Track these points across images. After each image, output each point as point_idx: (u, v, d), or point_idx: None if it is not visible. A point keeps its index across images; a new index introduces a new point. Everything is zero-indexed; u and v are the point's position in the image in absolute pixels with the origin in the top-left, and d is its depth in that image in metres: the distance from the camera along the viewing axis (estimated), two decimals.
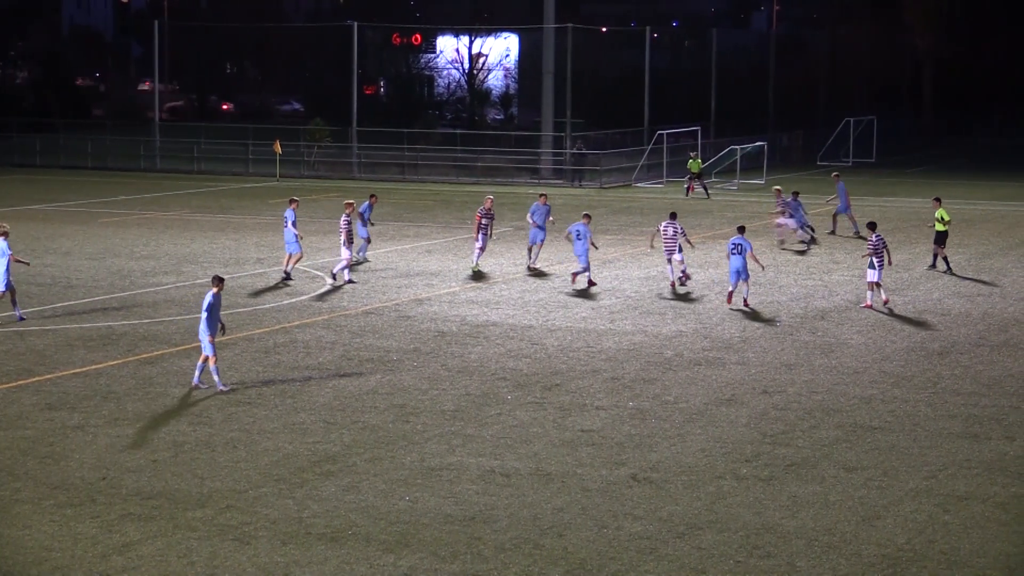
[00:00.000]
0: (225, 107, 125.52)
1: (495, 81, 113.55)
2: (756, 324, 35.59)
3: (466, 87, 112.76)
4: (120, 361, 30.44)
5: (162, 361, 30.45)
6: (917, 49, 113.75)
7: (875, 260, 37.29)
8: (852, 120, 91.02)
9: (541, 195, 46.14)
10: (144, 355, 31.01)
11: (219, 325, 28.01)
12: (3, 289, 34.80)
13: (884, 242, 37.61)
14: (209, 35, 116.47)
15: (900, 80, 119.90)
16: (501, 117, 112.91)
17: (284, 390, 28.06)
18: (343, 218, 41.74)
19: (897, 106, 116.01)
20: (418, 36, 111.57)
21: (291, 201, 43.22)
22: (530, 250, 44.73)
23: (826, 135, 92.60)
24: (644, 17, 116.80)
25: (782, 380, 29.45)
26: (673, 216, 42.26)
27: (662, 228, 41.59)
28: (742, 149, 78.56)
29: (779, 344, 33.13)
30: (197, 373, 27.87)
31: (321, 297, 38.96)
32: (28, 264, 37.77)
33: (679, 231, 41.34)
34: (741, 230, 38.62)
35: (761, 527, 20.21)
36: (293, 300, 38.45)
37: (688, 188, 70.48)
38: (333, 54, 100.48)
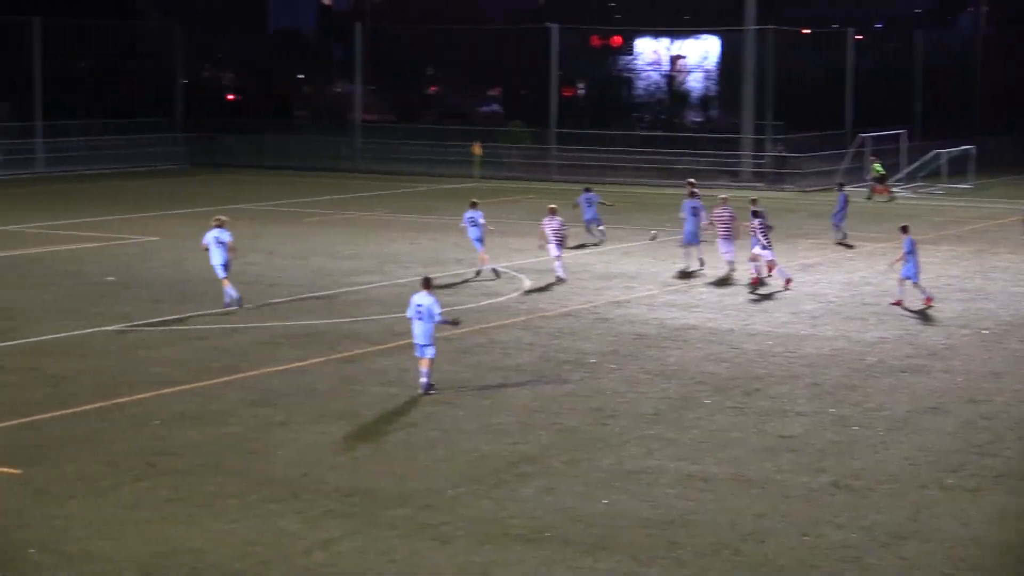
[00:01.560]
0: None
1: (694, 83, 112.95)
2: (962, 331, 34.93)
3: (665, 89, 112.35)
4: (322, 359, 30.87)
5: (363, 360, 30.81)
6: None
7: None
8: None
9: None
10: (346, 353, 31.40)
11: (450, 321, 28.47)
12: (223, 275, 36.48)
13: None
14: (409, 36, 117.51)
15: None
16: (700, 119, 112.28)
17: (482, 391, 28.21)
18: (548, 220, 42.00)
19: None
20: (617, 38, 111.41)
21: (472, 204, 43.97)
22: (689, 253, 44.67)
23: None
24: (846, 19, 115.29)
25: (989, 389, 28.85)
26: (755, 206, 42.70)
27: (752, 217, 42.18)
28: (947, 153, 77.17)
29: (986, 352, 32.47)
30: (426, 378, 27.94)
31: (520, 298, 39.13)
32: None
33: (759, 223, 41.22)
34: (904, 229, 38.69)
35: (968, 539, 19.81)
36: (491, 301, 38.65)
37: (872, 191, 69.73)
38: (532, 56, 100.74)
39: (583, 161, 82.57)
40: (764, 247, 41.36)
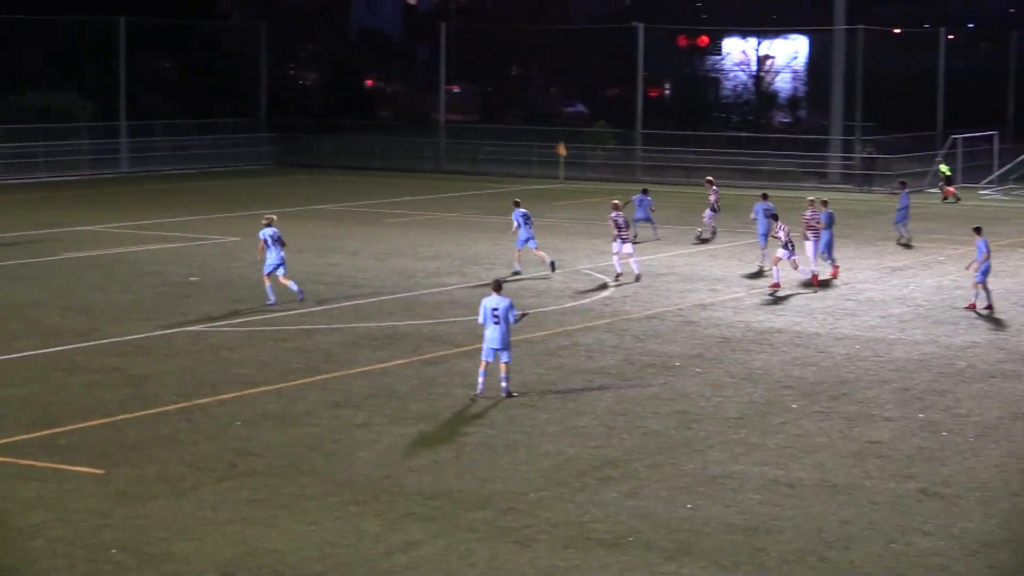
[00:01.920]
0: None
1: (782, 83, 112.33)
2: None
3: (753, 89, 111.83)
4: (404, 361, 30.95)
5: (445, 362, 30.87)
6: None
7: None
8: None
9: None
10: (427, 355, 31.47)
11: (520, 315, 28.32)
12: (279, 273, 37.24)
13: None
14: (494, 37, 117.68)
15: None
16: (788, 120, 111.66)
17: (565, 393, 28.19)
18: (613, 215, 42.54)
19: None
20: (704, 38, 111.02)
21: (515, 203, 44.78)
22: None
23: None
24: (937, 18, 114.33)
25: None
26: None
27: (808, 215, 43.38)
28: None
29: None
30: (505, 383, 27.83)
31: (604, 300, 39.08)
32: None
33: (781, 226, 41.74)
34: (978, 230, 38.69)
35: None
36: (575, 303, 38.63)
37: (944, 194, 69.39)
38: (618, 55, 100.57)
39: (668, 162, 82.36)
40: (785, 246, 41.14)
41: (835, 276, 43.15)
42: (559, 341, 33.31)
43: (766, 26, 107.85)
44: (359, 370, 29.94)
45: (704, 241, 52.00)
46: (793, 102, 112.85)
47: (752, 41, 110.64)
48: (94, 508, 20.58)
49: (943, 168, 70.74)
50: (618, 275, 42.49)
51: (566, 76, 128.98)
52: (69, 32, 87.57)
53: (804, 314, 37.27)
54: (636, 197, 52.76)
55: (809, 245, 43.25)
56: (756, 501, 21.40)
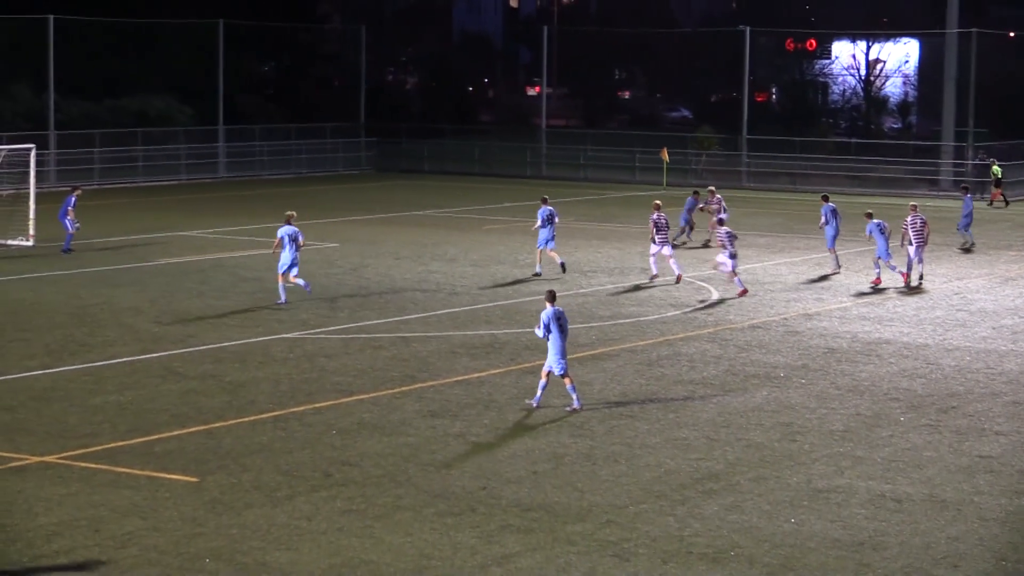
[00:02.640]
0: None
1: (893, 88, 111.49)
2: None
3: (862, 94, 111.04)
4: (502, 370, 30.99)
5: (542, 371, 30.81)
6: None
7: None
8: None
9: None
10: (526, 365, 31.48)
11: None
12: (292, 274, 38.37)
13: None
14: (598, 40, 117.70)
15: None
16: (898, 126, 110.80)
17: (667, 404, 28.11)
18: (654, 216, 43.21)
19: None
20: (813, 41, 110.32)
21: (543, 200, 45.67)
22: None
23: None
24: None
25: None
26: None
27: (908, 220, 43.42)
28: None
29: None
30: (540, 393, 27.69)
31: (707, 310, 38.94)
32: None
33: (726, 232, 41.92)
34: None
35: None
36: (677, 312, 38.52)
37: (992, 196, 69.12)
38: (724, 60, 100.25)
39: (774, 168, 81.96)
40: (732, 256, 41.06)
41: (878, 283, 43.40)
42: (660, 351, 33.24)
43: (876, 29, 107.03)
44: (456, 379, 30.01)
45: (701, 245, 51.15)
46: (903, 107, 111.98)
47: (862, 45, 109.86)
48: (188, 516, 20.75)
49: (996, 170, 70.36)
50: (653, 276, 43.12)
51: (670, 80, 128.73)
52: (168, 36, 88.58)
53: (913, 324, 36.95)
54: (689, 199, 53.18)
55: (911, 250, 42.97)
56: (862, 516, 21.23)
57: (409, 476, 22.98)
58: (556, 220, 44.85)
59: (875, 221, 43.54)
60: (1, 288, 41.14)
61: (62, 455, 23.77)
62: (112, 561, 18.92)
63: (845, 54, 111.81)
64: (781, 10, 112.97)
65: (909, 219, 43.44)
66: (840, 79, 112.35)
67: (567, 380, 27.38)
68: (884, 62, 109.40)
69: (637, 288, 42.27)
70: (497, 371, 30.85)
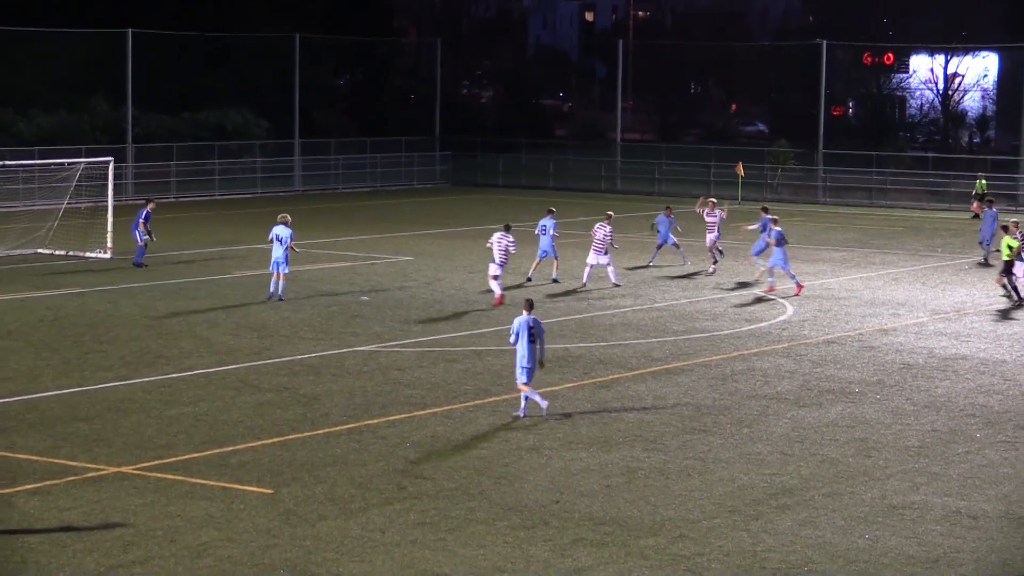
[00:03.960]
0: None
1: (971, 102, 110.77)
2: None
3: (940, 108, 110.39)
4: (575, 384, 31.03)
5: (617, 385, 30.89)
6: None
7: None
8: None
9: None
10: (599, 379, 31.52)
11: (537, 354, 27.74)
12: (282, 271, 41.34)
13: None
14: (673, 54, 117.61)
15: None
16: (977, 140, 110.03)
17: (740, 419, 28.08)
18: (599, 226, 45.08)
19: None
20: (890, 55, 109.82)
21: (548, 211, 47.33)
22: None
23: None
24: None
25: None
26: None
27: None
28: None
29: None
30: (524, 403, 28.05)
31: (782, 325, 38.84)
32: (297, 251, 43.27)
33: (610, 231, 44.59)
34: None
35: None
36: (752, 327, 38.44)
37: (976, 209, 69.26)
38: (800, 73, 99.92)
39: (850, 183, 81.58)
40: (605, 253, 44.67)
41: (772, 292, 43.82)
42: (735, 365, 33.18)
43: (955, 43, 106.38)
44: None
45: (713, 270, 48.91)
46: (982, 122, 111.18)
47: (940, 59, 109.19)
48: (263, 528, 20.92)
49: (982, 183, 70.54)
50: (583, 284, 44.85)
51: (746, 94, 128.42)
52: (245, 50, 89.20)
53: (990, 340, 36.72)
54: (659, 218, 51.68)
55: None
56: (937, 532, 21.14)
57: (482, 489, 23.06)
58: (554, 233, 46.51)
59: (778, 229, 44.18)
60: (79, 300, 41.56)
61: (138, 466, 24.01)
62: (188, 571, 19.10)
63: (923, 68, 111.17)
64: (858, 23, 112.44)
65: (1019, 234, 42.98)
66: (918, 93, 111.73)
67: (524, 388, 27.76)
68: (962, 76, 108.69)
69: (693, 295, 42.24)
70: (570, 385, 30.90)
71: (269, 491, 22.72)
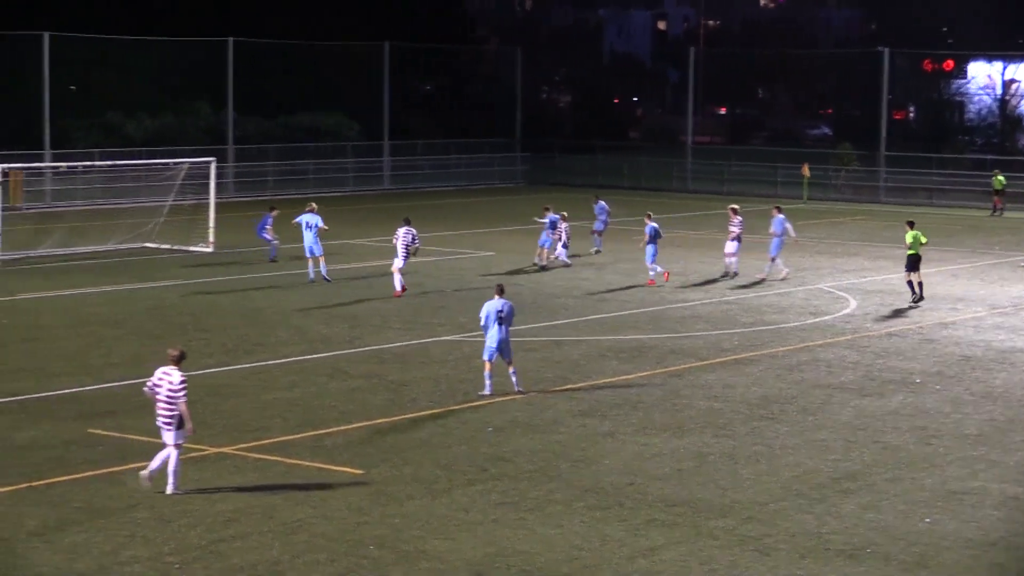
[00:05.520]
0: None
1: None
2: None
3: (997, 113, 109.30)
4: (648, 373, 30.94)
5: (688, 374, 30.78)
6: None
7: None
8: None
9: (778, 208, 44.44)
10: (671, 368, 31.41)
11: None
12: (317, 253, 42.94)
13: None
14: (741, 61, 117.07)
15: None
16: None
17: (806, 407, 27.90)
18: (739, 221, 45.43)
19: None
20: (950, 62, 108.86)
21: (550, 211, 48.34)
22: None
23: None
24: None
25: None
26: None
27: None
28: None
29: None
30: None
31: (846, 318, 38.57)
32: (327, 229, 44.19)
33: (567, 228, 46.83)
34: None
35: None
36: (817, 319, 38.19)
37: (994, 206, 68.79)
38: (863, 79, 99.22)
39: (911, 184, 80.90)
40: (565, 246, 47.66)
41: (652, 285, 43.96)
42: (800, 356, 32.98)
43: (1012, 50, 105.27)
44: (605, 381, 30.01)
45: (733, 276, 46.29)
46: None
47: (998, 65, 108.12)
48: (354, 506, 20.98)
49: (1000, 180, 70.00)
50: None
51: (811, 99, 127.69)
52: (338, 57, 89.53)
53: None
54: (596, 206, 53.53)
55: None
56: (995, 517, 20.92)
57: (560, 471, 23.03)
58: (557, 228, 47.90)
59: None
60: (182, 291, 41.85)
61: (237, 447, 24.14)
62: (284, 546, 19.19)
63: (981, 74, 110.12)
64: (919, 31, 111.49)
65: None
66: (976, 98, 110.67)
67: (487, 366, 28.26)
68: (1019, 82, 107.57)
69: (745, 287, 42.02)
70: (644, 373, 30.81)
71: (360, 472, 22.78)
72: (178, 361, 21.28)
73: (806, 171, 76.92)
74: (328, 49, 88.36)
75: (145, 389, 21.54)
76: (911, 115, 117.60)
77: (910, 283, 41.44)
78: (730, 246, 45.75)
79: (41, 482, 21.92)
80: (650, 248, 44.32)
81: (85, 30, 74.32)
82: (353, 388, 29.05)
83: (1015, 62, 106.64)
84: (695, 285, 44.12)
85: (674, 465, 23.56)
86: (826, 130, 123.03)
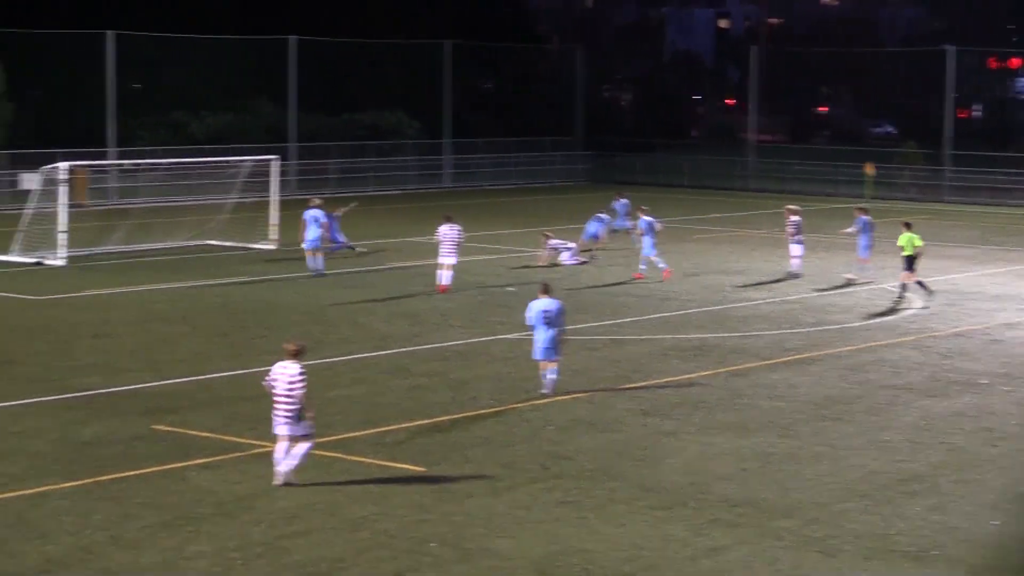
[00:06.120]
0: None
1: None
2: None
3: None
4: (711, 372, 30.81)
5: (751, 374, 30.63)
6: None
7: None
8: None
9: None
10: (734, 367, 31.27)
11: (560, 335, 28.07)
12: (336, 247, 46.64)
13: None
14: (803, 59, 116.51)
15: None
16: None
17: (870, 407, 27.71)
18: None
19: None
20: (1016, 60, 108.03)
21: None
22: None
23: None
24: None
25: None
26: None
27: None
28: None
29: None
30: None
31: (911, 318, 38.31)
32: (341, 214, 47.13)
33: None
34: None
35: None
36: (881, 320, 37.95)
37: None
38: (928, 78, 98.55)
39: (977, 183, 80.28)
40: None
41: (668, 276, 44.46)
42: (864, 357, 32.76)
43: None
44: (667, 380, 29.91)
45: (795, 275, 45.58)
46: None
47: None
48: (416, 503, 20.98)
49: None
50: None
51: (875, 97, 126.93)
52: (399, 55, 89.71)
53: None
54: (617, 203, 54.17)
55: None
56: None
57: (622, 471, 22.96)
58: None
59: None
60: (246, 288, 42.02)
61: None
62: (347, 542, 19.21)
63: None
64: (984, 29, 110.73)
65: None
66: None
67: (541, 365, 28.20)
68: None
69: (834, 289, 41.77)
70: (706, 373, 30.69)
71: (422, 469, 22.79)
72: (296, 355, 21.65)
73: (871, 170, 76.43)
74: (389, 47, 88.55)
75: (263, 383, 21.93)
76: (976, 114, 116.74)
77: (903, 284, 41.19)
78: (795, 248, 45.33)
79: (106, 477, 22.04)
80: (647, 240, 44.80)
81: (149, 29, 74.82)
82: (415, 386, 29.07)
83: None
84: (757, 284, 43.90)
85: (737, 465, 23.44)
86: (890, 129, 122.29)
